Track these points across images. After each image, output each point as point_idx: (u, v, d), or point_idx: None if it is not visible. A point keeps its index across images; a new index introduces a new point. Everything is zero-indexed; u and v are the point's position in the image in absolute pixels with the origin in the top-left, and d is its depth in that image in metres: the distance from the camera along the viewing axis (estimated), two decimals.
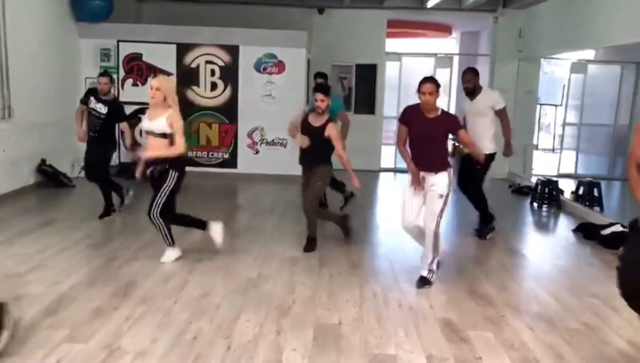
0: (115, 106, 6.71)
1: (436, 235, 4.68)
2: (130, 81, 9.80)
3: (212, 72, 9.79)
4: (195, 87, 9.82)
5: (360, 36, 10.94)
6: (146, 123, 4.99)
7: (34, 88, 8.17)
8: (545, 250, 6.18)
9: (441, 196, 4.62)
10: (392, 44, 11.91)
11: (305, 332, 3.78)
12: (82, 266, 4.97)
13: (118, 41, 9.72)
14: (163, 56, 9.71)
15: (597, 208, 8.02)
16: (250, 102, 9.76)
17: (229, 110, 9.87)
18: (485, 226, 6.31)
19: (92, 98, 6.64)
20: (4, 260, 5.04)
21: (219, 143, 9.97)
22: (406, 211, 4.80)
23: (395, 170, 11.42)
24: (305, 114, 5.74)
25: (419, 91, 4.56)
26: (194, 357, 3.40)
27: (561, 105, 13.52)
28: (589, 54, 11.37)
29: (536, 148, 11.35)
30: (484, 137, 6.02)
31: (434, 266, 4.77)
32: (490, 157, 6.09)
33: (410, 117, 4.71)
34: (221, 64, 9.78)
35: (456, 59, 12.89)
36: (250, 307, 4.18)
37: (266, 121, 9.83)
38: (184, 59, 9.77)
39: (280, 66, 9.78)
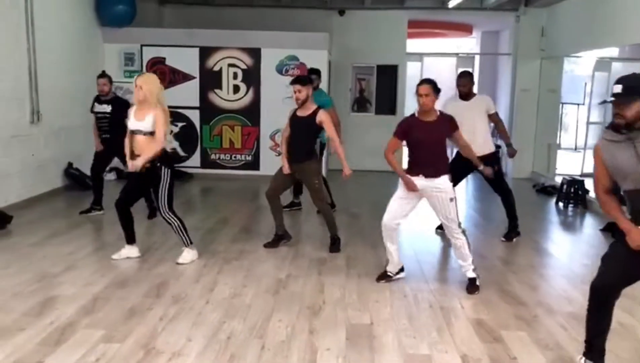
0: (117, 102, 6.87)
1: (464, 234, 4.67)
2: None
3: (235, 75, 9.86)
4: (218, 90, 9.90)
5: (381, 37, 10.94)
6: (133, 122, 4.99)
7: (61, 93, 8.30)
8: (573, 249, 6.13)
9: (451, 199, 4.58)
10: (413, 45, 11.88)
11: (338, 332, 3.79)
12: (113, 268, 5.03)
13: (141, 45, 9.84)
14: (186, 60, 9.81)
15: (624, 207, 7.90)
16: (272, 105, 9.80)
17: (252, 112, 9.94)
18: (512, 228, 6.26)
19: (95, 103, 6.89)
20: (38, 261, 5.13)
21: (242, 145, 10.03)
22: (394, 209, 4.71)
23: None
24: (294, 110, 5.69)
25: (416, 93, 4.51)
26: (229, 356, 3.43)
27: (583, 104, 13.41)
28: (612, 51, 11.25)
29: (559, 147, 11.23)
30: (486, 136, 6.04)
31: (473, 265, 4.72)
32: (497, 153, 6.27)
33: (407, 128, 4.60)
34: (243, 67, 9.85)
35: (477, 58, 12.81)
36: (281, 307, 4.21)
37: None
38: (207, 63, 9.86)
39: (302, 68, 9.78)
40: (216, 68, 9.86)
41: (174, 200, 5.21)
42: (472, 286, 4.62)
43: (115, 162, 9.66)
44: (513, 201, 6.22)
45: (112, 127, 6.74)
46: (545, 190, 9.27)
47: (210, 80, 9.87)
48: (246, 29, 9.91)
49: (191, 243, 5.29)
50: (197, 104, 9.90)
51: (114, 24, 9.59)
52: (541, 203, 8.78)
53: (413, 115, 4.63)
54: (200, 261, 5.22)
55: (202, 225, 6.57)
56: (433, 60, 11.99)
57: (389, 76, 11.17)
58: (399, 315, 4.12)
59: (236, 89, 9.90)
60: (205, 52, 9.83)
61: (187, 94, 9.75)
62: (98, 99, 6.88)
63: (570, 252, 6.06)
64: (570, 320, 4.08)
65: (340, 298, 4.42)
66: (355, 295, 4.50)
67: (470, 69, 11.85)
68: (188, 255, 5.23)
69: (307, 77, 5.78)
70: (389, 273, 4.85)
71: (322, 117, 5.48)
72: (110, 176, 9.52)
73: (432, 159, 4.59)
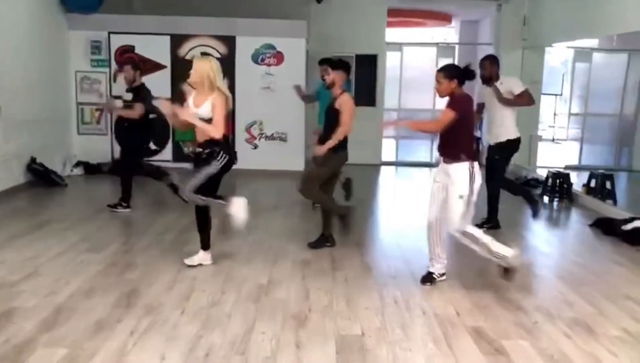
0: (137, 90, 6.65)
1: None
2: (122, 74, 9.39)
3: None
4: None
5: (360, 26, 10.60)
6: (192, 109, 4.62)
7: (21, 83, 7.78)
8: (565, 247, 5.91)
9: (461, 196, 4.28)
10: (392, 34, 11.58)
11: (327, 346, 3.47)
12: (79, 273, 4.61)
13: (109, 33, 9.34)
14: (156, 48, 9.36)
15: (609, 201, 7.77)
16: (248, 95, 9.40)
17: None
18: (534, 206, 6.23)
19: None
20: None
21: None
22: (432, 205, 4.53)
23: (397, 163, 11.12)
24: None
25: None
26: None
27: (561, 94, 13.32)
28: (592, 42, 11.11)
29: (540, 138, 11.07)
30: (503, 123, 5.96)
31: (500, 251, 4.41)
32: (512, 142, 6.01)
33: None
34: (217, 55, 9.40)
35: (457, 48, 12.58)
36: (264, 317, 3.87)
37: (265, 115, 9.52)
38: (179, 51, 9.41)
39: (279, 57, 9.45)
40: (188, 57, 9.40)
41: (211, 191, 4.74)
42: (506, 272, 4.41)
43: (84, 156, 9.27)
44: (517, 186, 6.40)
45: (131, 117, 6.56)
46: (529, 184, 9.08)
47: (182, 69, 9.38)
48: (220, 16, 9.47)
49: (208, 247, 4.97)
50: (169, 94, 9.42)
51: (79, 10, 9.06)
52: None
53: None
54: (175, 266, 4.84)
55: (175, 225, 6.18)
56: (413, 50, 11.69)
57: (368, 66, 10.84)
58: (392, 324, 3.82)
59: None
60: (177, 40, 9.38)
61: (158, 84, 9.20)
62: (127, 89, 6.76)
63: (562, 250, 5.83)
64: (573, 326, 3.83)
65: (327, 306, 4.10)
66: (344, 301, 4.18)
67: (450, 60, 11.63)
68: (197, 257, 4.90)
69: (339, 62, 5.35)
70: (435, 275, 4.60)
71: (342, 100, 5.19)
72: (77, 171, 9.06)
73: (441, 142, 4.50)
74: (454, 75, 4.41)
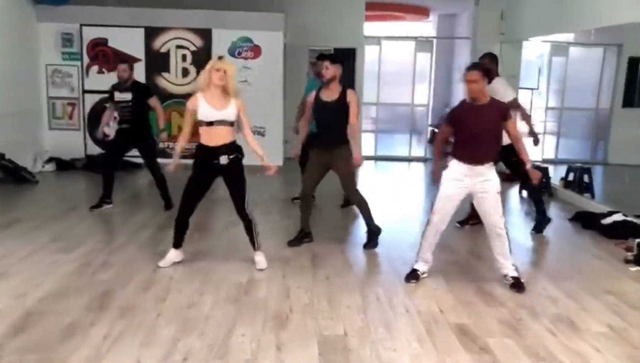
0: (138, 88, 6.44)
1: (507, 230, 4.40)
2: (95, 68, 9.18)
3: (184, 58, 9.27)
4: (165, 74, 9.28)
5: (339, 19, 10.47)
6: (211, 112, 4.40)
7: None
8: (546, 241, 5.89)
9: (498, 192, 4.31)
10: (371, 28, 11.48)
11: (309, 347, 3.38)
12: (50, 274, 4.43)
13: (81, 25, 9.09)
14: (130, 41, 9.12)
15: (587, 195, 7.80)
16: None
17: None
18: (542, 219, 6.08)
19: (115, 92, 6.38)
20: None
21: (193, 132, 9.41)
22: (445, 209, 4.38)
23: (376, 158, 11.06)
24: (315, 94, 5.20)
25: (464, 79, 4.26)
26: None
27: (537, 88, 13.38)
28: (568, 36, 11.16)
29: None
30: None
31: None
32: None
33: (458, 114, 4.40)
34: (193, 48, 9.25)
35: (435, 42, 12.54)
36: (244, 318, 3.76)
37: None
38: (153, 44, 9.21)
39: (256, 51, 9.29)
40: (163, 50, 9.22)
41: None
42: (517, 284, 4.36)
43: (57, 152, 9.02)
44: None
45: (134, 116, 6.31)
46: (508, 178, 9.06)
47: (156, 63, 9.22)
48: (195, 8, 9.26)
49: (260, 246, 4.82)
50: None
51: (49, 2, 8.79)
52: (504, 191, 8.55)
53: (463, 100, 4.40)
54: (151, 265, 4.69)
55: (151, 222, 6.02)
56: (391, 44, 11.61)
57: (347, 60, 10.70)
58: (375, 323, 3.74)
59: (185, 72, 9.30)
60: (151, 33, 9.17)
61: None
62: (118, 87, 6.36)
63: (543, 245, 5.80)
64: (557, 323, 3.80)
65: (308, 305, 4.00)
66: (325, 300, 4.09)
67: (429, 54, 11.59)
68: (263, 259, 4.76)
69: (338, 56, 5.22)
70: (419, 272, 4.52)
71: (352, 98, 5.08)
72: (48, 167, 8.81)
73: (480, 145, 4.28)
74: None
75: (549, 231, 6.06)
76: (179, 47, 9.23)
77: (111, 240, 5.37)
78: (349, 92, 5.10)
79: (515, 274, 4.40)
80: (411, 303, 4.07)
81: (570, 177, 8.03)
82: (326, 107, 5.09)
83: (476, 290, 4.36)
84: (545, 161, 10.61)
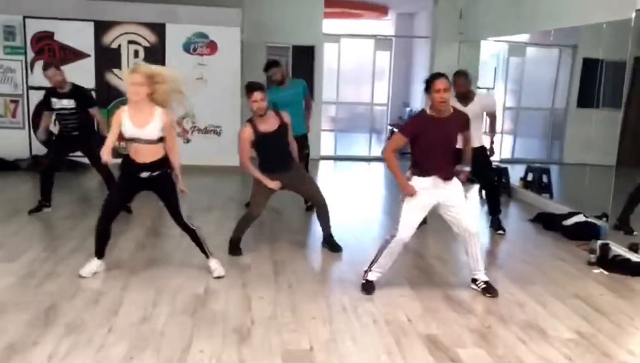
0: (80, 92, 5.99)
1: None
2: (41, 63, 8.66)
3: (136, 54, 8.88)
4: (116, 70, 8.86)
5: (297, 16, 10.25)
6: (132, 129, 4.06)
7: None
8: (509, 243, 5.83)
9: (465, 197, 4.28)
10: (330, 25, 11.32)
11: None
12: None
13: (24, 17, 8.58)
14: (78, 35, 8.68)
15: (545, 195, 7.84)
16: None
17: None
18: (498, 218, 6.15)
19: (52, 99, 5.88)
20: None
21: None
22: (412, 224, 4.18)
23: (336, 158, 10.91)
24: (249, 127, 4.82)
25: (432, 89, 3.97)
26: None
27: (493, 88, 13.49)
28: (526, 36, 11.25)
29: None
30: (476, 135, 5.60)
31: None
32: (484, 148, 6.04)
33: (418, 126, 4.16)
34: (146, 44, 8.88)
35: (394, 41, 12.49)
36: (202, 332, 3.52)
37: (197, 107, 9.01)
38: (103, 39, 8.79)
39: (212, 47, 8.99)
40: (114, 45, 8.81)
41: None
42: (490, 289, 4.27)
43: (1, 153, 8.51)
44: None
45: (80, 123, 5.95)
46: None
47: (107, 59, 8.81)
48: (149, 2, 8.89)
49: (212, 254, 4.55)
50: (93, 85, 8.79)
51: None
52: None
53: (424, 111, 4.15)
54: (101, 275, 4.39)
55: None
56: (350, 42, 11.48)
57: (305, 57, 10.53)
58: (341, 335, 3.56)
59: None
60: (101, 27, 8.75)
61: (81, 75, 8.46)
62: (55, 94, 5.86)
63: (507, 246, 5.74)
64: (527, 329, 3.71)
65: (271, 316, 3.79)
66: (289, 311, 3.88)
67: (388, 53, 11.52)
68: (219, 266, 4.49)
69: (259, 84, 4.86)
70: (374, 282, 4.31)
71: (287, 118, 4.94)
72: None
73: (446, 159, 4.13)
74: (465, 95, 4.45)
75: (511, 233, 6.03)
76: (130, 42, 8.84)
77: (58, 247, 5.02)
78: (283, 114, 4.94)
79: (486, 278, 4.30)
80: (378, 312, 3.91)
81: (530, 177, 8.06)
82: (270, 138, 4.83)
83: (443, 296, 4.24)
84: (502, 160, 10.67)
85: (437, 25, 10.54)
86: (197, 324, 3.63)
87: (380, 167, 10.67)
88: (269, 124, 4.82)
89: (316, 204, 5.17)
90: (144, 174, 4.22)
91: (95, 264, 4.41)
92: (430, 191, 4.12)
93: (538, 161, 9.98)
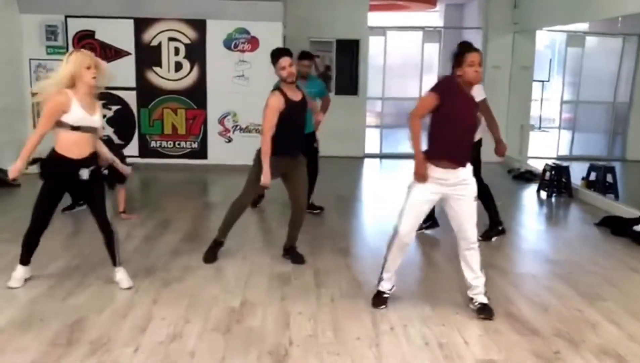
0: None
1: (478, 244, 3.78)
2: None
3: (177, 51, 8.68)
4: (157, 68, 8.72)
5: (341, 9, 9.87)
6: (84, 116, 3.78)
7: None
8: (573, 251, 5.30)
9: (476, 198, 3.71)
10: (375, 18, 10.89)
11: None
12: (13, 299, 3.89)
13: (66, 17, 8.50)
14: (119, 33, 8.56)
15: (610, 195, 7.24)
16: (220, 85, 8.71)
17: (197, 93, 8.78)
18: (492, 226, 5.41)
19: None
20: None
21: (187, 130, 8.88)
22: (414, 218, 3.72)
23: (382, 156, 10.48)
24: (279, 95, 4.45)
25: (465, 62, 3.54)
26: None
27: (549, 80, 12.79)
28: (583, 25, 10.56)
29: (532, 128, 10.51)
30: None
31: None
32: (480, 143, 5.24)
33: (451, 90, 3.61)
34: (186, 41, 8.68)
35: (442, 32, 11.94)
36: (235, 354, 3.21)
37: (239, 105, 8.79)
38: (143, 36, 8.64)
39: (254, 43, 8.71)
40: (154, 43, 8.64)
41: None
42: (488, 312, 3.74)
43: (43, 154, 8.47)
44: (488, 196, 5.35)
45: None
46: (523, 176, 8.52)
47: (147, 56, 8.65)
48: None
49: (121, 263, 4.20)
50: (134, 84, 8.66)
51: None
52: (520, 191, 8.02)
53: (454, 76, 3.64)
54: (133, 283, 4.14)
55: (137, 231, 5.46)
56: (397, 34, 11.01)
57: (350, 52, 10.15)
58: (388, 360, 3.18)
59: (178, 66, 8.71)
60: (142, 25, 8.59)
61: (122, 73, 8.39)
62: None
63: (571, 255, 5.17)
64: (602, 356, 3.24)
65: (311, 336, 3.44)
66: (331, 330, 3.53)
67: (437, 45, 11.01)
68: (125, 276, 4.13)
69: (287, 49, 4.64)
70: (386, 294, 3.89)
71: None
72: (33, 169, 8.23)
73: (463, 142, 3.66)
74: None
75: (576, 239, 5.50)
76: (171, 39, 8.65)
77: (89, 255, 4.78)
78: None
79: (485, 300, 3.78)
80: (430, 333, 3.51)
81: (593, 176, 7.47)
82: (297, 107, 4.47)
83: (503, 313, 3.80)
84: (560, 157, 10.05)
85: (489, 14, 9.98)
86: (230, 343, 3.32)
87: None
88: (295, 94, 4.47)
89: (297, 209, 4.68)
90: (84, 175, 3.87)
91: (21, 272, 4.11)
92: (439, 184, 3.63)
93: (598, 158, 9.34)
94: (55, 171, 3.94)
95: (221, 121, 8.88)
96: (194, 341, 3.34)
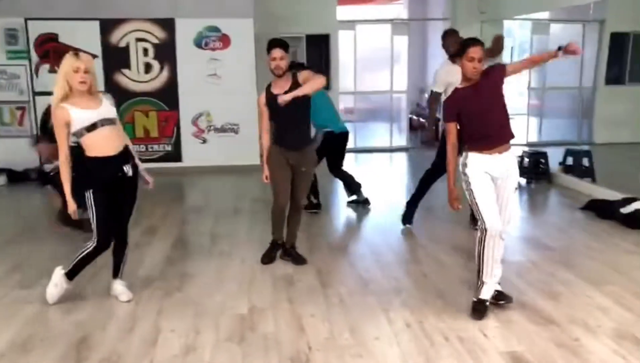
0: None
1: None
2: (46, 67, 8.26)
3: (145, 52, 8.43)
4: (126, 70, 8.44)
5: (310, 3, 9.77)
6: (88, 113, 3.57)
7: None
8: (566, 237, 5.36)
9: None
10: (344, 12, 10.83)
11: None
12: (10, 317, 3.68)
13: (26, 19, 8.14)
14: (84, 36, 8.23)
15: (587, 179, 7.39)
16: (192, 84, 8.52)
17: (168, 94, 8.56)
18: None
19: None
20: None
21: (159, 133, 8.65)
22: (491, 204, 3.59)
23: (356, 150, 10.45)
24: (265, 91, 4.43)
25: (465, 55, 3.50)
26: None
27: None
28: (546, 13, 10.75)
29: None
30: None
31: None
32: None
33: (459, 103, 3.65)
34: (155, 41, 8.43)
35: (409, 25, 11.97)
36: (255, 362, 3.10)
37: (213, 105, 8.61)
38: (110, 38, 8.34)
39: (225, 40, 8.53)
40: (122, 44, 8.37)
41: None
42: (506, 297, 3.78)
43: (7, 163, 8.13)
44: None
45: None
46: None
47: (115, 58, 8.36)
48: None
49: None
50: (102, 87, 8.35)
51: None
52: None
53: (456, 88, 3.70)
54: (134, 293, 3.97)
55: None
56: (366, 28, 10.97)
57: (319, 46, 10.06)
58: (414, 358, 3.13)
59: (148, 67, 8.47)
60: (108, 26, 8.30)
61: None
62: None
63: (566, 241, 5.21)
64: (619, 340, 3.27)
65: (329, 339, 3.36)
66: (347, 331, 3.45)
67: (406, 37, 11.04)
68: (125, 289, 3.98)
69: (282, 40, 4.43)
70: (487, 303, 3.67)
71: (304, 74, 4.34)
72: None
73: (499, 121, 3.63)
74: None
75: (566, 225, 5.58)
76: (139, 40, 8.39)
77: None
78: (301, 73, 4.37)
79: (499, 287, 3.78)
80: (447, 328, 3.47)
81: (570, 161, 7.60)
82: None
83: (517, 303, 3.77)
84: (530, 144, 10.23)
85: (456, 5, 10.05)
86: (246, 352, 3.21)
87: (403, 157, 10.23)
88: (281, 87, 4.33)
89: (296, 207, 4.61)
90: (128, 170, 3.73)
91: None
92: (490, 164, 3.60)
93: (568, 143, 9.54)
94: (99, 175, 3.68)
95: (195, 122, 8.68)
96: (210, 352, 3.22)
